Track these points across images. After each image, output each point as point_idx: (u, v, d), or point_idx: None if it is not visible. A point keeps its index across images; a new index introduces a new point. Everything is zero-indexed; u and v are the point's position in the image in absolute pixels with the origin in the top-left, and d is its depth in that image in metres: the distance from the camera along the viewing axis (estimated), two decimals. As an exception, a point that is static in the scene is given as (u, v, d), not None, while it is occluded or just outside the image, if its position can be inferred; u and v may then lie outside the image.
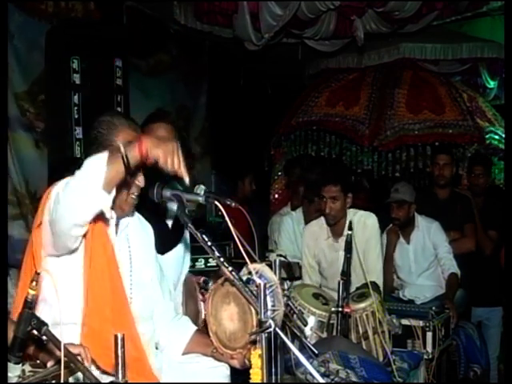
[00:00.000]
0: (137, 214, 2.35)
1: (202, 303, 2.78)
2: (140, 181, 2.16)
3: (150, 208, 2.37)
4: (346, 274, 2.96)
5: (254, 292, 1.88)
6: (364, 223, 3.57)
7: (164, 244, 2.70)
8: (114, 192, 1.89)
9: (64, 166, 4.00)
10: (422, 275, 4.16)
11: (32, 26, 4.39)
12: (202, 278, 2.81)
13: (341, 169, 4.07)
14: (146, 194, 2.20)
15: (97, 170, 1.83)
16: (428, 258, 4.14)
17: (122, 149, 1.84)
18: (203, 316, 2.72)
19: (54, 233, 1.95)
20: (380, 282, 3.54)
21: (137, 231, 2.32)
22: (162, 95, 6.12)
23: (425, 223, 4.14)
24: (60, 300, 1.88)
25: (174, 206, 2.58)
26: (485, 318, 4.69)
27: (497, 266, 4.53)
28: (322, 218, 3.69)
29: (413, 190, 4.15)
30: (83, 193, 1.83)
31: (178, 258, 2.93)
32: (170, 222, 2.84)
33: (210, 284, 2.75)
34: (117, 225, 2.21)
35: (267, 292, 1.85)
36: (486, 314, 4.65)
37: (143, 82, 5.72)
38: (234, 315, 2.10)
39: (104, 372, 1.97)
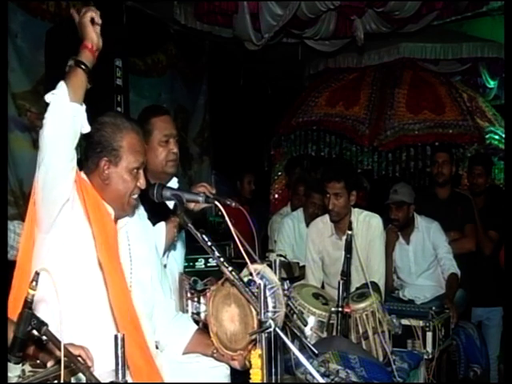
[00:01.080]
0: (137, 211, 2.35)
1: (189, 302, 2.77)
2: (141, 183, 2.18)
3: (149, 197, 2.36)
4: (346, 273, 2.96)
5: (256, 293, 1.88)
6: (368, 223, 3.57)
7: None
8: (84, 106, 2.02)
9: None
10: (422, 275, 4.16)
11: (36, 26, 4.41)
12: (192, 278, 2.80)
13: (344, 166, 4.07)
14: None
15: (59, 90, 1.98)
16: (428, 258, 4.14)
17: (71, 61, 2.05)
18: (189, 314, 2.72)
19: (44, 180, 1.99)
20: (382, 283, 3.53)
21: (137, 228, 2.31)
22: (161, 95, 6.12)
23: (424, 224, 4.14)
24: (60, 300, 1.88)
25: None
26: (485, 318, 4.69)
27: (496, 265, 4.53)
28: (327, 216, 3.69)
29: (412, 191, 4.14)
30: (56, 114, 1.95)
31: (182, 244, 2.93)
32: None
33: (199, 284, 2.75)
34: (115, 222, 2.21)
35: (269, 293, 1.86)
36: (486, 313, 4.65)
37: (141, 82, 5.72)
38: (235, 317, 2.09)
39: None
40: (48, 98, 1.99)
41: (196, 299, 2.74)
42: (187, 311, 2.73)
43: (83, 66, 2.05)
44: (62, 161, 1.99)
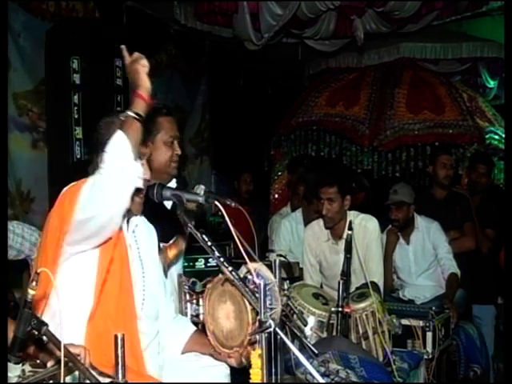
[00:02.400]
0: (142, 217, 2.35)
1: (188, 304, 2.76)
2: (145, 172, 2.15)
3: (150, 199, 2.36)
4: (346, 273, 2.96)
5: (252, 290, 1.89)
6: (365, 227, 3.56)
7: (168, 233, 2.73)
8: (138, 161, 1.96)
9: (66, 169, 4.05)
10: (422, 275, 4.16)
11: (38, 26, 4.40)
12: (191, 280, 2.79)
13: (338, 170, 4.06)
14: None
15: (122, 145, 1.89)
16: (428, 258, 4.14)
17: (130, 112, 1.94)
18: (188, 316, 2.72)
19: (89, 229, 1.95)
20: (381, 285, 3.53)
21: (143, 232, 2.32)
22: (156, 95, 6.11)
23: (424, 224, 4.14)
24: (61, 301, 1.89)
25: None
26: (477, 316, 4.65)
27: (493, 264, 4.53)
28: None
29: (412, 191, 4.14)
30: (122, 170, 1.87)
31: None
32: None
33: (198, 286, 2.74)
34: (127, 221, 2.21)
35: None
36: (478, 312, 4.63)
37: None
38: (231, 314, 2.10)
39: (102, 373, 1.96)
40: (110, 152, 1.90)
41: (195, 301, 2.74)
42: (186, 314, 2.72)
43: (139, 118, 1.98)
44: (114, 222, 1.97)
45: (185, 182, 3.75)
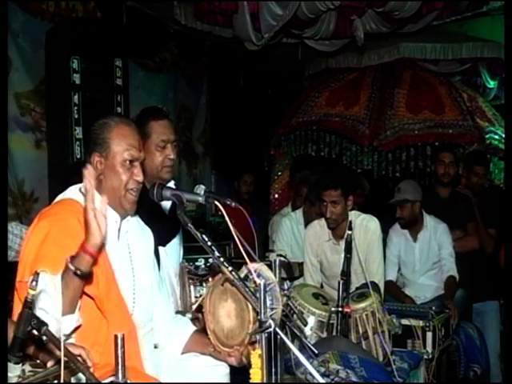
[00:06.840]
0: (136, 218, 2.34)
1: (192, 287, 2.78)
2: (137, 174, 2.15)
3: (147, 202, 2.34)
4: (346, 273, 2.96)
5: (253, 289, 1.89)
6: (366, 227, 3.55)
7: (165, 236, 2.73)
8: (77, 314, 1.87)
9: (66, 169, 4.05)
10: (425, 275, 4.17)
11: (37, 26, 4.41)
12: (193, 265, 2.82)
13: (341, 172, 4.04)
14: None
15: (54, 303, 1.77)
16: (432, 258, 4.14)
17: (70, 265, 1.79)
18: (193, 298, 2.72)
19: None
20: (382, 285, 3.53)
21: (136, 237, 2.31)
22: (167, 94, 6.13)
23: (433, 224, 4.15)
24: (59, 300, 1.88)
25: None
26: (480, 312, 4.64)
27: (495, 262, 4.53)
28: (324, 219, 3.69)
29: (417, 188, 4.13)
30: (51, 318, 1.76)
31: (179, 247, 2.95)
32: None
33: (200, 268, 2.76)
34: (118, 229, 2.20)
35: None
36: (482, 307, 4.61)
37: (144, 82, 5.72)
38: (232, 312, 2.10)
39: None
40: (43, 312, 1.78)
41: (198, 283, 2.75)
42: (190, 298, 2.73)
43: (81, 274, 1.80)
44: None
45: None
